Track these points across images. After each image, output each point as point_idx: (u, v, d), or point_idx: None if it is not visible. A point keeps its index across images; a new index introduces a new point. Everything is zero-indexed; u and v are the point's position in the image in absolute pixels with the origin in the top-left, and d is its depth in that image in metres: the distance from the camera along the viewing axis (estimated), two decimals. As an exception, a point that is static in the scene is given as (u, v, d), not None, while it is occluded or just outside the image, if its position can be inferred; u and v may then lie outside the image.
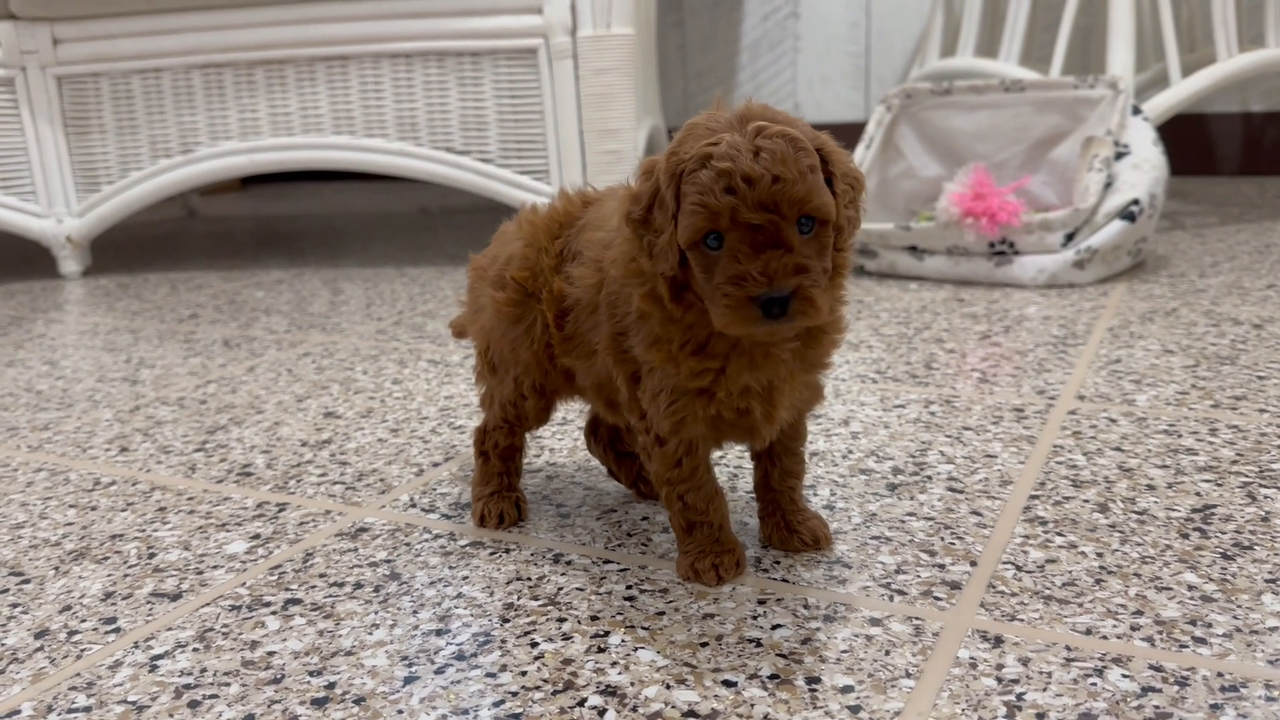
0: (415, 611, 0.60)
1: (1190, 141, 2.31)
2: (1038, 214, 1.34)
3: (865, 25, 2.58)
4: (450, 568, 0.65)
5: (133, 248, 2.12)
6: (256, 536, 0.71)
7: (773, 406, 0.59)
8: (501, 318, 0.68)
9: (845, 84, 2.63)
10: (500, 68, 1.60)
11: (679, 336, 0.57)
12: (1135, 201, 1.33)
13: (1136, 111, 1.44)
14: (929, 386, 0.96)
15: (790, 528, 0.65)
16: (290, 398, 1.02)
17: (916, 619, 0.57)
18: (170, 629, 0.60)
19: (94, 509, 0.78)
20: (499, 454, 0.72)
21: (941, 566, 0.63)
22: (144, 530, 0.73)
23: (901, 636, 0.55)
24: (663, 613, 0.59)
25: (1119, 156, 1.39)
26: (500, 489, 0.72)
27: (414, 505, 0.75)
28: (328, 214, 2.56)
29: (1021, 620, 0.56)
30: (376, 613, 0.60)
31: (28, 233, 1.76)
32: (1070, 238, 1.33)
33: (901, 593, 0.60)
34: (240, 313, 1.44)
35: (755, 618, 0.58)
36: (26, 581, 0.67)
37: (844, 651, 0.54)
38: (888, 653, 0.54)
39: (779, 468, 0.65)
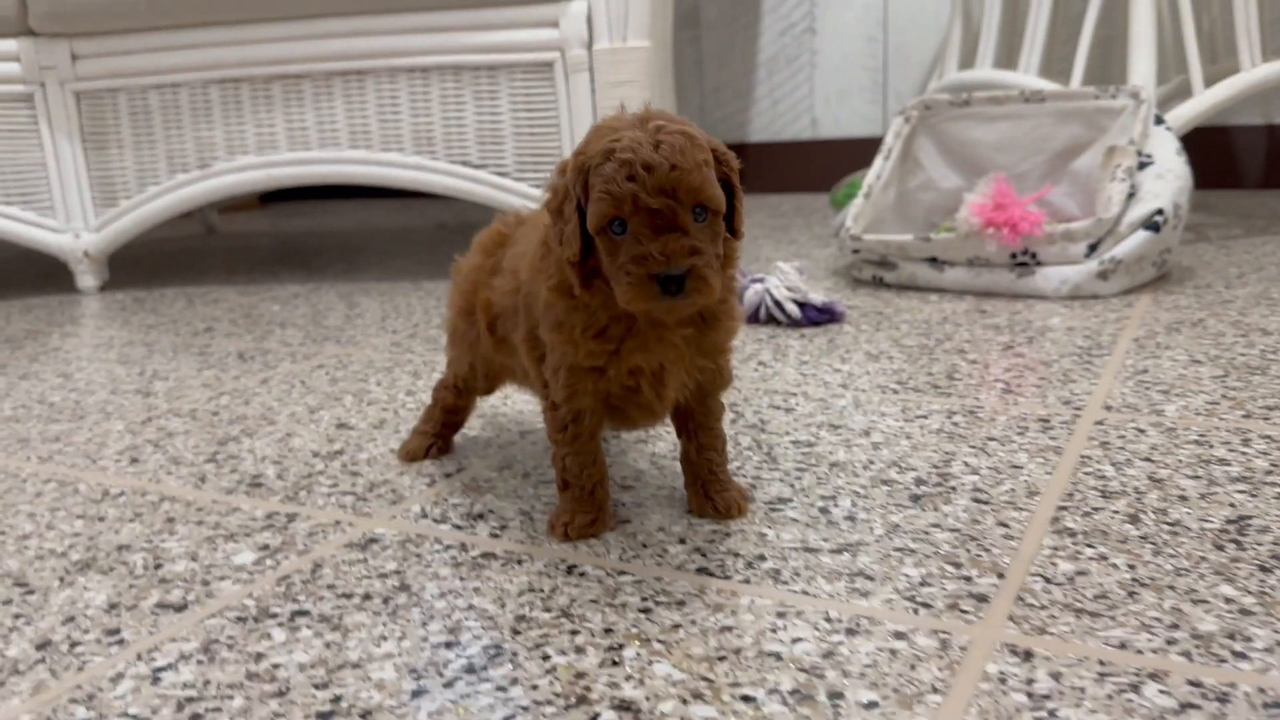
0: (425, 623, 0.59)
1: (1213, 154, 2.28)
2: (1060, 224, 1.32)
3: (882, 40, 2.57)
4: (461, 579, 0.64)
5: (150, 263, 2.12)
6: (265, 547, 0.70)
7: (663, 386, 0.66)
8: (459, 319, 0.80)
9: (862, 99, 2.62)
10: (516, 81, 1.60)
11: (581, 322, 0.63)
12: (1159, 211, 1.31)
13: (1159, 121, 1.42)
14: (951, 397, 0.94)
15: (707, 495, 0.71)
16: (303, 409, 1.01)
17: (943, 633, 0.55)
18: (174, 640, 0.58)
19: (102, 520, 0.77)
20: (442, 407, 0.85)
21: (968, 579, 0.60)
22: (151, 541, 0.72)
23: (927, 650, 0.53)
24: (679, 625, 0.57)
25: (1142, 166, 1.36)
26: (427, 431, 0.86)
27: (425, 516, 0.74)
28: (346, 230, 2.56)
29: (1052, 634, 0.54)
30: (385, 624, 0.59)
31: (45, 247, 1.76)
32: (1093, 248, 1.31)
33: (927, 605, 0.58)
34: (256, 326, 1.43)
35: (774, 630, 0.56)
36: (31, 592, 0.65)
37: (868, 666, 0.52)
38: (913, 667, 0.52)
39: (696, 442, 0.71)
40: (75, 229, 1.77)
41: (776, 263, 1.28)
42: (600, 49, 1.55)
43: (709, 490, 0.71)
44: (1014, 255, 1.34)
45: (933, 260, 1.40)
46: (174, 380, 1.16)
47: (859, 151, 2.58)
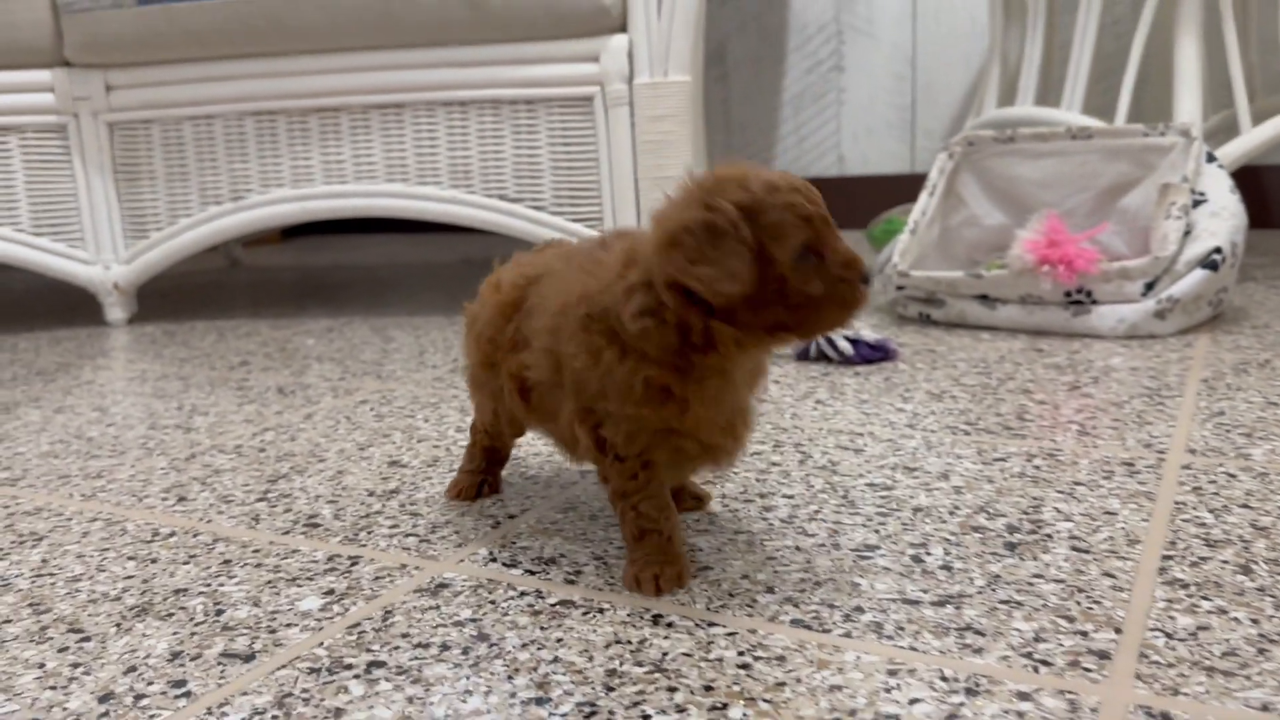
0: (510, 677, 0.55)
1: (1245, 194, 2.26)
2: (1116, 262, 1.29)
3: (910, 78, 2.56)
4: (542, 628, 0.60)
5: (177, 296, 2.10)
6: (330, 592, 0.67)
7: (744, 428, 0.65)
8: (479, 369, 0.75)
9: (890, 136, 2.61)
10: (555, 116, 1.58)
11: (692, 394, 0.62)
12: (1217, 250, 1.28)
13: (1211, 159, 1.40)
14: (1026, 439, 0.91)
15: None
16: (352, 446, 0.98)
17: (1069, 693, 0.51)
18: (245, 694, 0.55)
19: (154, 561, 0.73)
20: (481, 445, 0.82)
21: (1084, 634, 0.57)
22: (209, 584, 0.69)
23: (1057, 713, 0.50)
24: (783, 684, 0.53)
25: (1195, 204, 1.34)
26: (476, 469, 0.82)
27: (494, 560, 0.70)
28: (370, 264, 2.54)
29: (1186, 695, 0.51)
30: (468, 678, 0.55)
31: (75, 279, 1.74)
32: (1150, 287, 1.28)
33: (1046, 663, 0.54)
34: (292, 360, 1.40)
35: (888, 690, 0.52)
36: (87, 639, 0.62)
37: (995, 729, 0.49)
38: (1045, 731, 0.48)
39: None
40: (105, 261, 1.75)
41: (828, 299, 1.25)
42: (641, 83, 1.53)
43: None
44: (1068, 293, 1.31)
45: (984, 297, 1.37)
46: (214, 415, 1.13)
47: (887, 189, 2.56)
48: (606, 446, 0.65)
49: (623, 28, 1.54)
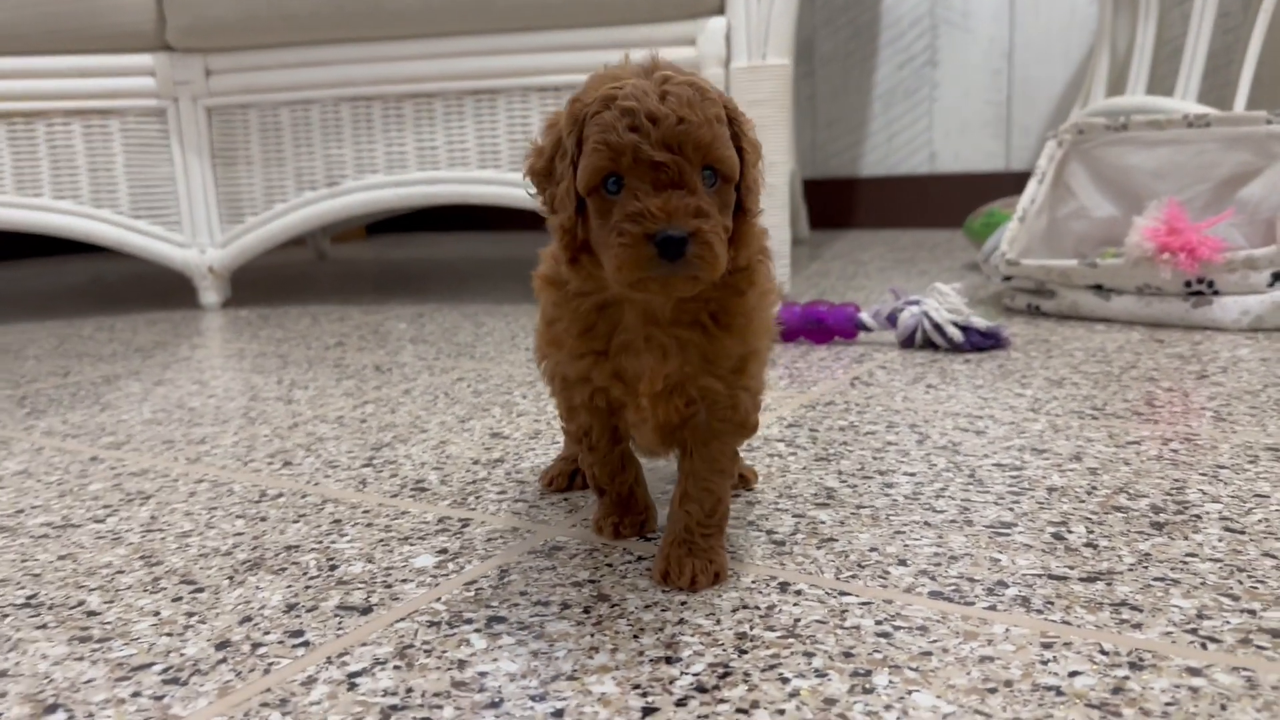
0: (636, 636, 0.53)
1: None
2: (1241, 250, 1.23)
3: (1007, 73, 2.50)
4: (663, 591, 0.58)
5: (268, 284, 2.13)
6: (444, 551, 0.65)
7: (637, 396, 0.57)
8: None
9: (985, 133, 2.55)
10: (649, 101, 1.56)
11: (568, 316, 0.56)
12: (1351, 239, 1.21)
13: (1341, 146, 1.33)
14: (1159, 424, 0.86)
15: (661, 554, 0.59)
16: (452, 418, 0.97)
17: (1245, 670, 0.47)
18: (365, 644, 0.53)
19: (263, 519, 0.73)
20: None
21: (1251, 612, 0.53)
22: (321, 542, 0.68)
23: (1234, 689, 0.46)
24: (929, 653, 0.50)
25: (1326, 193, 1.27)
26: (569, 456, 0.76)
27: (608, 527, 0.68)
28: (452, 259, 2.55)
29: (1379, 678, 0.46)
30: (592, 635, 0.53)
31: (170, 262, 1.77)
32: (1278, 277, 1.22)
33: (1214, 640, 0.50)
34: (386, 341, 1.40)
35: (1044, 662, 0.49)
36: (200, 590, 0.61)
37: (1169, 704, 0.45)
38: (1224, 707, 0.44)
39: (681, 489, 0.60)
40: (201, 245, 1.78)
41: (934, 284, 1.21)
42: (738, 67, 1.51)
43: (669, 550, 0.59)
44: (1189, 283, 1.25)
45: (1098, 288, 1.31)
46: (314, 389, 1.13)
47: (980, 187, 2.50)
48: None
49: (720, 10, 1.51)
